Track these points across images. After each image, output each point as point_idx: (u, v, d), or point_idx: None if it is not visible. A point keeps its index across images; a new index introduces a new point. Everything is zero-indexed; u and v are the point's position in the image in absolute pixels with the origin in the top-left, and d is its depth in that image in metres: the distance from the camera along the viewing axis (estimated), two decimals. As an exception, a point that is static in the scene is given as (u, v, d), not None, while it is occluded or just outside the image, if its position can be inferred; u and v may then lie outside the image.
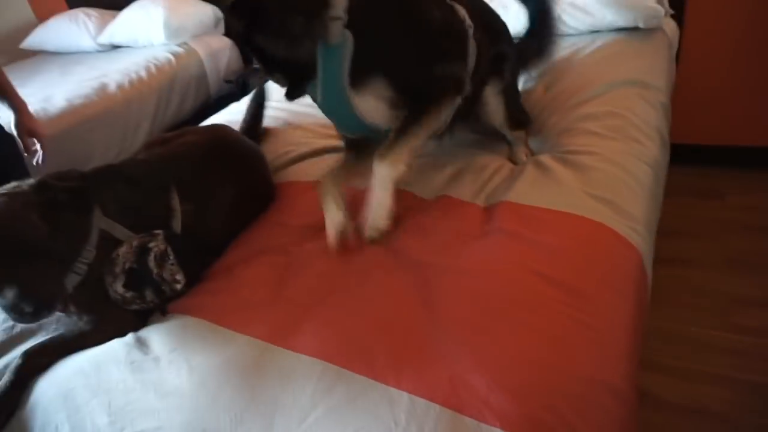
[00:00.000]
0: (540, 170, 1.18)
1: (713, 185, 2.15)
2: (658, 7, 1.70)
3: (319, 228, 1.13)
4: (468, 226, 1.04)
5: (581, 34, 1.82)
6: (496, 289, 0.87)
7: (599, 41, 1.75)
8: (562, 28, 1.81)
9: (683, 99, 2.12)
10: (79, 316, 0.99)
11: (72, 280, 0.94)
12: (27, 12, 3.55)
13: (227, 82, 2.78)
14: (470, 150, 1.34)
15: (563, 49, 1.75)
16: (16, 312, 0.82)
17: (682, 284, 1.74)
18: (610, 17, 1.74)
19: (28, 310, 0.80)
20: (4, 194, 0.90)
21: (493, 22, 1.31)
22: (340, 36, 0.98)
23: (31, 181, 0.94)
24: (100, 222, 0.97)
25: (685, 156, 2.19)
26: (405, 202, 1.16)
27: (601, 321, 0.82)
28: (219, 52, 2.88)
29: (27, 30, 3.35)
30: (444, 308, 0.86)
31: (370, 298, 0.92)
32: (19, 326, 1.03)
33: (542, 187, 1.11)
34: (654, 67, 1.58)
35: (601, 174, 1.12)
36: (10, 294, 0.82)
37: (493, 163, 1.27)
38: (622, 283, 0.90)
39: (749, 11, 1.92)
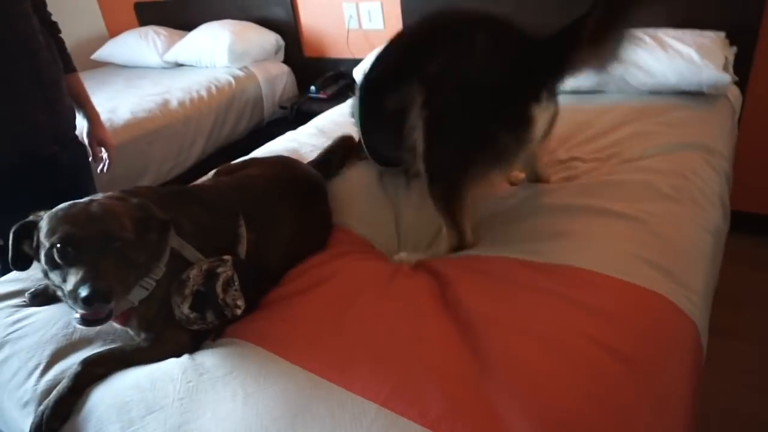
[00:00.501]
0: (598, 226, 1.17)
1: (768, 256, 2.09)
2: (724, 74, 1.69)
3: (373, 272, 1.15)
4: (520, 283, 1.04)
5: (643, 94, 1.83)
6: (554, 356, 0.85)
7: (663, 102, 1.74)
8: (624, 87, 1.83)
9: (744, 166, 2.09)
10: (138, 332, 1.01)
11: (139, 294, 0.97)
12: (100, 25, 3.76)
13: (281, 107, 2.86)
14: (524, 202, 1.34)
15: (626, 107, 1.76)
16: (72, 297, 0.84)
17: (735, 359, 1.67)
18: (674, 80, 1.75)
19: (83, 295, 0.81)
20: (115, 197, 0.97)
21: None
22: None
23: (135, 200, 0.98)
24: (173, 240, 1.00)
25: (743, 224, 2.14)
26: (458, 259, 1.17)
27: (659, 393, 0.80)
28: (276, 78, 2.98)
29: (98, 42, 3.55)
30: (498, 365, 0.85)
31: (424, 343, 0.91)
32: (78, 333, 1.06)
33: (598, 248, 1.10)
34: (718, 134, 1.57)
35: (661, 240, 1.10)
36: (74, 277, 0.84)
37: (548, 215, 1.26)
38: (678, 355, 0.88)
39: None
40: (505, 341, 0.89)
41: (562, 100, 1.57)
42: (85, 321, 0.88)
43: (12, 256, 0.93)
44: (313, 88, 2.75)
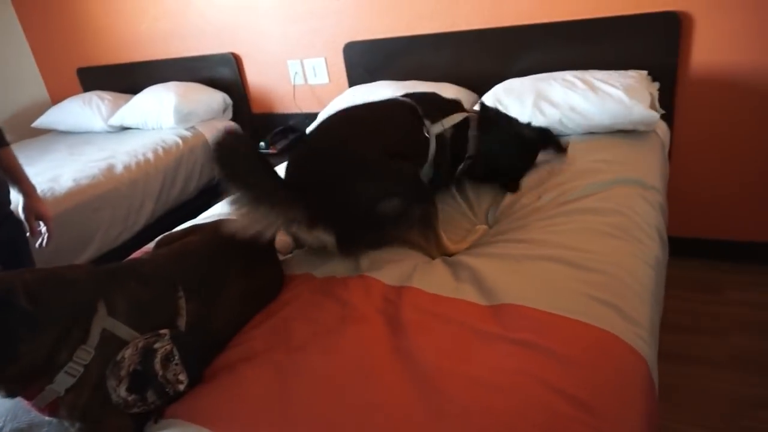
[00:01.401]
0: (542, 268, 1.18)
1: (712, 279, 2.17)
2: (652, 111, 1.78)
3: (320, 322, 1.13)
4: (476, 329, 1.03)
5: (579, 134, 1.91)
6: (511, 406, 0.84)
7: (595, 140, 1.82)
8: (561, 129, 1.91)
9: (677, 194, 2.20)
10: (72, 422, 0.94)
11: (64, 382, 0.90)
12: (42, 92, 3.70)
13: (232, 164, 2.84)
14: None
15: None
16: None
17: (686, 382, 1.71)
18: (607, 122, 1.84)
19: None
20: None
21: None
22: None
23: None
24: (104, 322, 0.95)
25: (683, 249, 2.24)
26: (412, 299, 1.16)
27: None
28: (226, 135, 2.98)
29: (40, 109, 3.49)
30: (457, 422, 0.83)
31: (377, 405, 0.89)
32: (8, 427, 0.99)
33: (547, 289, 1.11)
34: (650, 168, 1.64)
35: (606, 277, 1.13)
36: None
37: (495, 259, 1.27)
38: (633, 396, 0.88)
39: (737, 109, 2.02)
40: (462, 395, 0.88)
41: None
42: None
43: None
44: (262, 143, 2.76)
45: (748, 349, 1.81)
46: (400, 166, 1.37)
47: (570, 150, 1.77)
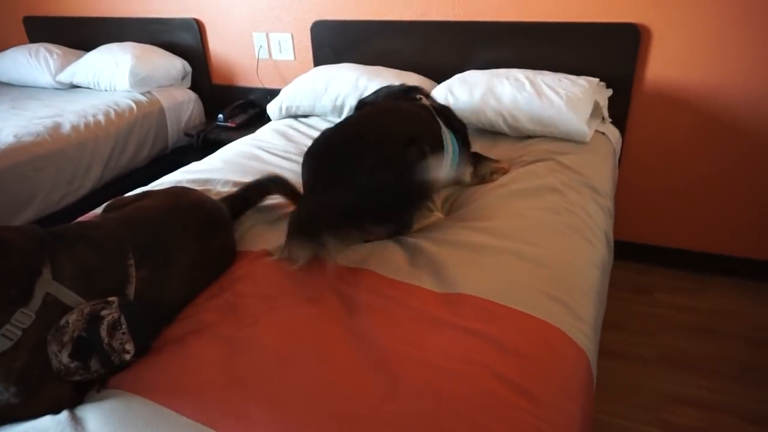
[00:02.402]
0: (499, 261, 1.22)
1: (644, 282, 2.30)
2: (584, 127, 1.86)
3: (274, 300, 1.12)
4: (429, 315, 1.06)
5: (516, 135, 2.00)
6: (460, 391, 0.87)
7: (552, 143, 1.88)
8: (502, 127, 1.97)
9: (624, 199, 2.31)
10: (6, 386, 0.91)
11: (2, 344, 0.86)
12: (-18, 39, 3.45)
13: (187, 135, 2.76)
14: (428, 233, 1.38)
15: (516, 147, 1.88)
16: None
17: (618, 378, 1.81)
18: (542, 128, 1.93)
19: None
20: None
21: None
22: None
23: None
24: (47, 286, 0.91)
25: (620, 252, 2.36)
26: (368, 282, 1.17)
27: (555, 423, 0.85)
28: (182, 104, 2.88)
29: (-20, 57, 3.25)
30: (407, 403, 0.85)
31: (328, 383, 0.90)
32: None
33: (500, 280, 1.15)
34: (602, 173, 1.71)
35: (558, 274, 1.18)
36: None
37: (449, 248, 1.30)
38: (574, 389, 0.93)
39: (684, 124, 2.14)
40: (413, 378, 0.90)
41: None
42: None
43: None
44: (221, 116, 2.68)
45: (675, 348, 1.93)
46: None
47: (524, 150, 1.84)
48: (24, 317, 0.88)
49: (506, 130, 1.99)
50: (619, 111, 2.16)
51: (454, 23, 2.34)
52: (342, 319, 1.06)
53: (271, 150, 1.99)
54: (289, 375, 0.92)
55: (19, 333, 0.88)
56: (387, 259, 1.26)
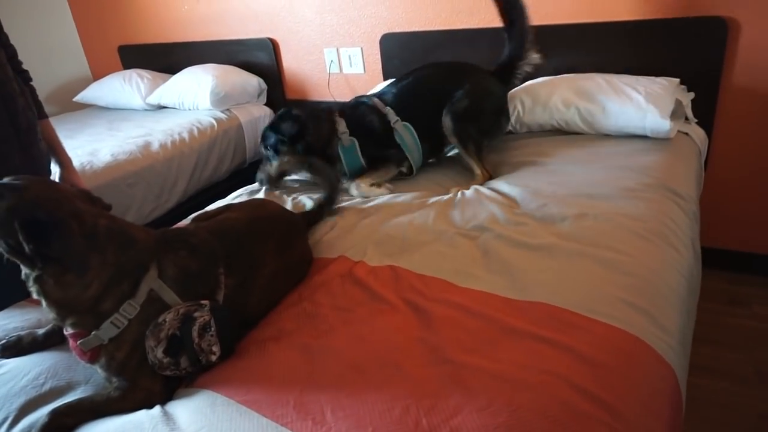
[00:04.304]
0: (576, 266, 1.18)
1: (739, 292, 2.13)
2: (665, 120, 1.76)
3: (349, 310, 1.15)
4: (504, 325, 1.04)
5: (599, 136, 1.92)
6: (535, 403, 0.85)
7: (631, 144, 1.80)
8: (578, 126, 1.93)
9: (712, 204, 2.16)
10: (109, 376, 0.99)
11: (109, 331, 0.96)
12: (84, 68, 3.79)
13: (264, 149, 2.88)
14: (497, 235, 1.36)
15: (587, 150, 1.82)
16: None
17: (711, 396, 1.68)
18: (621, 123, 1.86)
19: None
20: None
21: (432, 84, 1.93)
22: (350, 141, 1.84)
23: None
24: (152, 282, 1.00)
25: (711, 260, 2.20)
26: (441, 291, 1.17)
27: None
28: (258, 120, 3.02)
29: (82, 84, 3.58)
30: (480, 415, 0.84)
31: (400, 394, 0.90)
32: (49, 384, 1.03)
33: (578, 288, 1.12)
34: (685, 176, 1.62)
35: (641, 282, 1.12)
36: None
37: (526, 251, 1.27)
38: (659, 405, 0.88)
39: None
40: (486, 390, 0.88)
41: (521, 140, 1.98)
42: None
43: None
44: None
45: (776, 365, 1.78)
46: None
47: (601, 150, 1.78)
48: (130, 308, 0.98)
49: (583, 127, 1.93)
50: (704, 111, 2.03)
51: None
52: (415, 331, 1.06)
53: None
54: (363, 385, 0.94)
55: (125, 323, 0.97)
56: (460, 263, 1.26)
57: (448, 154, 2.09)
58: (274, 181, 1.93)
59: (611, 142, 1.85)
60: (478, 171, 1.80)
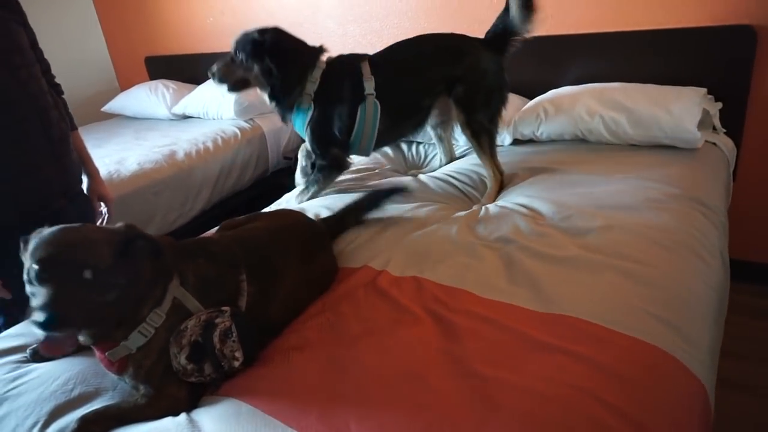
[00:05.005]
0: (602, 279, 1.17)
1: (764, 305, 2.08)
2: (695, 131, 1.73)
3: (373, 321, 1.15)
4: (529, 338, 1.03)
5: (624, 146, 1.89)
6: (561, 418, 0.84)
7: (656, 154, 1.78)
8: (604, 136, 1.89)
9: (741, 215, 2.11)
10: (136, 384, 1.01)
11: (137, 341, 0.98)
12: (112, 79, 3.89)
13: (286, 158, 2.92)
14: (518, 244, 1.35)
15: (611, 159, 1.80)
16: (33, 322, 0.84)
17: (739, 412, 1.64)
18: (651, 133, 1.83)
19: (38, 320, 0.82)
20: (92, 226, 0.98)
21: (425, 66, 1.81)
22: (308, 104, 1.76)
23: (121, 225, 0.99)
24: (176, 290, 1.01)
25: (740, 273, 2.14)
26: (464, 302, 1.16)
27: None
28: (281, 130, 3.05)
29: (110, 94, 3.66)
30: (503, 429, 0.83)
31: (424, 406, 0.90)
32: (78, 390, 1.05)
33: (604, 300, 1.10)
34: (714, 187, 1.60)
35: (668, 294, 1.10)
36: (38, 300, 0.85)
37: (550, 263, 1.26)
38: (688, 421, 0.86)
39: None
40: (511, 404, 0.88)
41: (543, 148, 1.97)
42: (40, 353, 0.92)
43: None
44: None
45: (808, 381, 1.72)
46: None
47: (626, 160, 1.75)
48: (157, 317, 0.99)
49: (607, 137, 1.91)
50: (733, 121, 2.00)
51: (544, 38, 2.29)
52: (439, 343, 1.05)
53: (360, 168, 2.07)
54: (387, 397, 0.93)
55: (152, 331, 0.99)
56: (484, 275, 1.25)
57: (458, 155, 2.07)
58: (231, 84, 1.82)
59: (636, 151, 1.83)
60: (490, 171, 1.76)
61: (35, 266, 0.87)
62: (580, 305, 1.09)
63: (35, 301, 0.86)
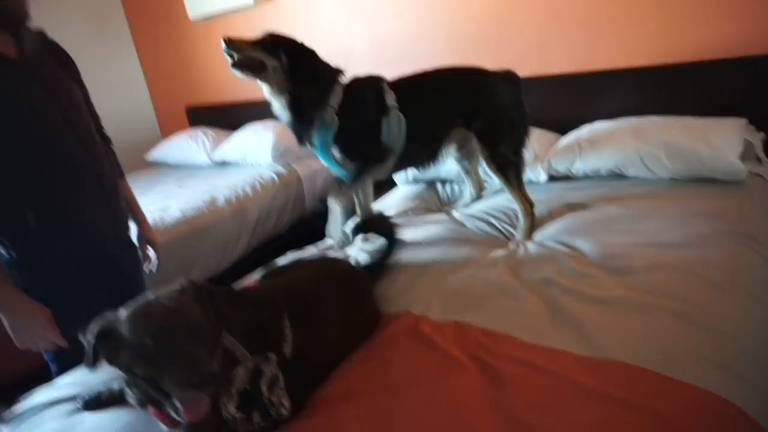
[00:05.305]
0: (650, 321, 1.13)
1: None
2: (737, 162, 1.69)
3: (417, 368, 1.14)
4: (576, 385, 1.00)
5: (663, 180, 1.85)
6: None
7: (701, 188, 1.74)
8: (643, 173, 1.86)
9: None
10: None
11: None
12: (155, 128, 4.08)
13: (322, 202, 2.96)
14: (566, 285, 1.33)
15: (653, 194, 1.77)
16: (177, 387, 0.85)
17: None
18: (686, 172, 1.78)
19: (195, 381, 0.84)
20: (174, 290, 0.98)
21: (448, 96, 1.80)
22: (331, 119, 1.65)
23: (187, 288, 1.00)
24: (225, 339, 1.03)
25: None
26: (509, 349, 1.14)
27: None
28: (317, 173, 3.11)
29: (152, 143, 3.84)
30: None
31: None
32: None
33: (653, 344, 1.07)
34: (762, 220, 1.54)
35: (723, 336, 1.06)
36: (173, 372, 0.86)
37: (597, 306, 1.23)
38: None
39: None
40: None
41: (579, 184, 1.97)
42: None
43: (92, 356, 0.92)
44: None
45: None
46: None
47: (667, 195, 1.72)
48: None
49: (645, 172, 1.86)
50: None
51: (575, 75, 2.30)
52: (485, 392, 1.03)
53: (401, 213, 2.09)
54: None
55: None
56: (527, 318, 1.24)
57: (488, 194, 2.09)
58: (248, 67, 1.60)
59: (677, 186, 1.79)
60: (520, 205, 1.75)
61: (155, 341, 0.87)
62: (630, 350, 1.06)
63: (167, 378, 0.87)
